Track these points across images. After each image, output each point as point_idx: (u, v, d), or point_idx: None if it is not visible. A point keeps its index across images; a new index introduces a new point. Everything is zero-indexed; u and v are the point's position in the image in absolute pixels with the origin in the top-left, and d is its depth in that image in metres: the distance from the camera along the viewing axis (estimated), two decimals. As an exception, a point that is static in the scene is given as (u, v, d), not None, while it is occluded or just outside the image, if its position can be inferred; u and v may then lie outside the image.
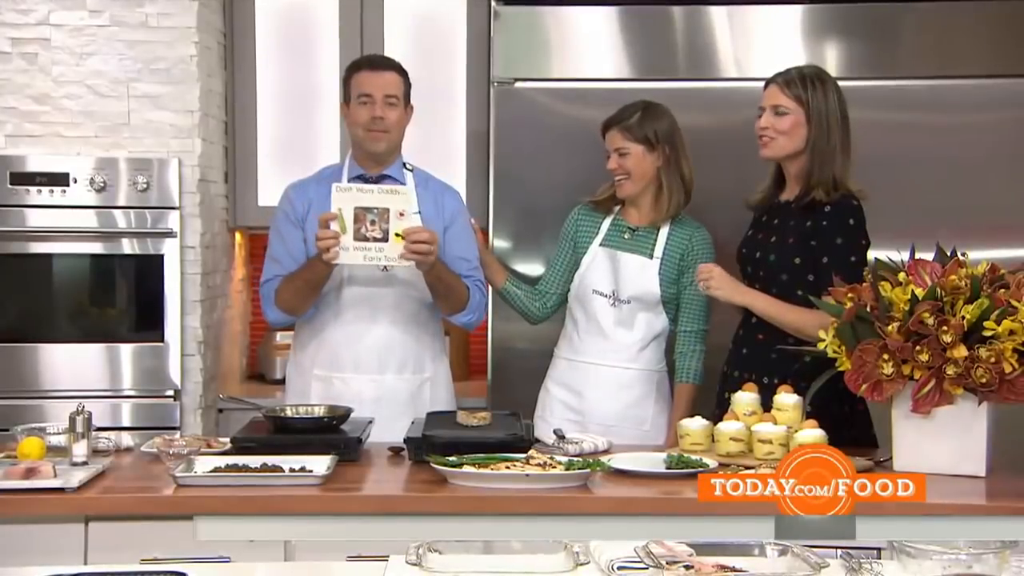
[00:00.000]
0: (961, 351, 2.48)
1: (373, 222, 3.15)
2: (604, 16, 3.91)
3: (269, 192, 4.17)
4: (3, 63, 3.85)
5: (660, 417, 3.40)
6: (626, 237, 3.42)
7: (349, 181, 3.36)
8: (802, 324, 2.96)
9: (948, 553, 2.13)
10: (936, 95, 3.84)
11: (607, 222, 3.46)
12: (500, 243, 3.91)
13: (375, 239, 3.16)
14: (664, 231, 3.40)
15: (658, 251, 3.38)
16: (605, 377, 3.39)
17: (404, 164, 3.46)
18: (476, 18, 4.18)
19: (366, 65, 3.39)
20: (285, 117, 4.24)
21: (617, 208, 3.47)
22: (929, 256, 2.65)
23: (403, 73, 3.40)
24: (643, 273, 3.38)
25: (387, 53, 4.14)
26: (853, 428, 3.02)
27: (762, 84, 3.20)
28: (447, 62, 4.20)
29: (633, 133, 3.35)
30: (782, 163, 3.18)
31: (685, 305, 3.40)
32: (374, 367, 3.37)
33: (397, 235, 3.16)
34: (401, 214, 3.17)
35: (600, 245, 3.44)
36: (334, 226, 3.15)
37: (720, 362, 3.29)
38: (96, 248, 3.85)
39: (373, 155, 3.39)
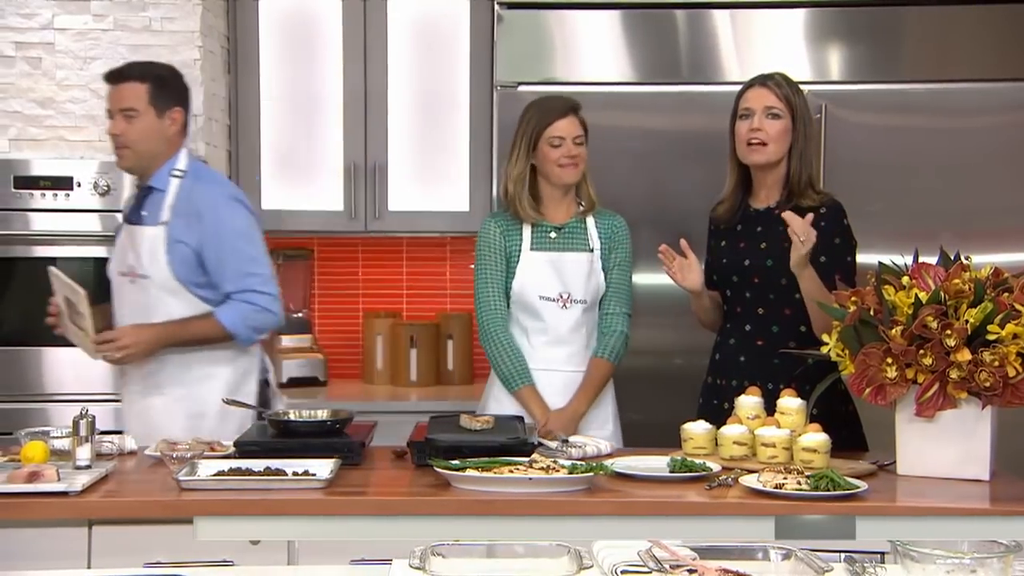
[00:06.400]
0: (965, 355, 2.47)
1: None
2: (607, 20, 3.91)
3: (272, 196, 4.17)
4: (7, 67, 3.85)
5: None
6: (553, 236, 3.38)
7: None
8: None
9: (952, 557, 2.12)
10: (939, 99, 3.84)
11: (527, 226, 3.37)
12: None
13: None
14: (591, 222, 3.38)
15: (593, 243, 3.37)
16: (566, 383, 3.32)
17: None
18: (479, 22, 4.18)
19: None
20: (288, 121, 4.24)
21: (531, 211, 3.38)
22: (933, 260, 2.65)
23: None
24: (591, 269, 3.35)
25: (390, 57, 4.18)
26: (843, 429, 3.01)
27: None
28: (450, 66, 4.20)
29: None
30: (760, 169, 3.16)
31: (612, 287, 3.36)
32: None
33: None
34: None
35: (532, 250, 3.36)
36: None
37: (699, 372, 3.27)
38: (100, 252, 3.84)
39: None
